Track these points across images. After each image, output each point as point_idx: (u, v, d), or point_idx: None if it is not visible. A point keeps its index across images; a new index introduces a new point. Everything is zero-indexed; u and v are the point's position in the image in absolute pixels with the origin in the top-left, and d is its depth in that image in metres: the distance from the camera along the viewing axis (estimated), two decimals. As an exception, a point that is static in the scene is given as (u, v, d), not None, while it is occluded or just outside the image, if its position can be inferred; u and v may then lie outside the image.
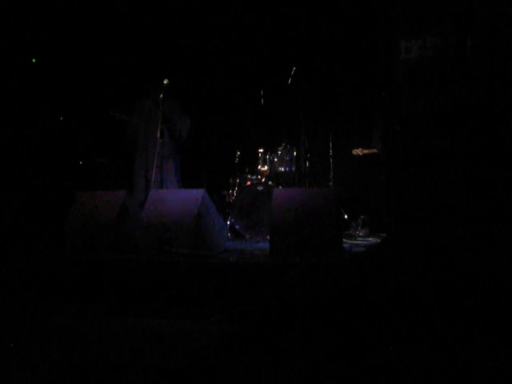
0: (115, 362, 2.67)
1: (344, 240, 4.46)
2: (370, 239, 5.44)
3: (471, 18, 3.88)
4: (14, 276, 3.89)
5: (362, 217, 5.81)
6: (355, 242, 5.25)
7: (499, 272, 2.96)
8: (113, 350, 2.86)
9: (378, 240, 5.28)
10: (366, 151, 6.14)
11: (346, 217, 6.00)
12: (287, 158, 6.02)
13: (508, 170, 3.64)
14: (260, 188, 5.75)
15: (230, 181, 6.17)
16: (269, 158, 6.06)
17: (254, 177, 6.04)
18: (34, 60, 6.34)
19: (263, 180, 5.93)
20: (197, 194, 4.21)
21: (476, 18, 3.86)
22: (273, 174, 6.03)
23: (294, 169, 6.03)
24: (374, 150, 6.11)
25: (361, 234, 5.68)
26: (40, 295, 3.75)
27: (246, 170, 6.23)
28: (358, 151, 6.15)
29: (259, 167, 6.10)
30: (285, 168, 6.02)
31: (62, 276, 3.88)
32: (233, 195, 5.95)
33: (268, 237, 4.27)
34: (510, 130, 3.71)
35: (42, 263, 3.99)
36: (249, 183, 5.91)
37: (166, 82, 5.33)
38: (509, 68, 3.74)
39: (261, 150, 6.14)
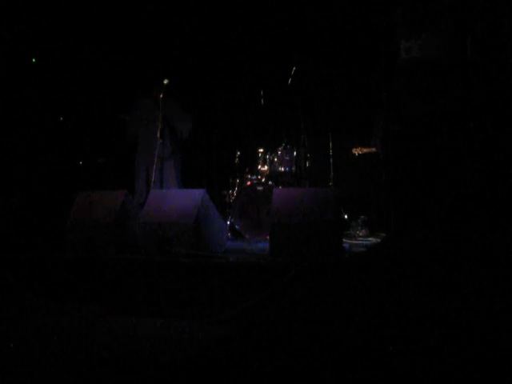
0: (115, 361, 2.67)
1: (344, 240, 4.46)
2: (370, 239, 5.44)
3: (471, 17, 3.88)
4: (14, 276, 3.89)
5: (362, 217, 5.81)
6: (355, 241, 5.25)
7: (499, 271, 2.96)
8: (113, 349, 2.86)
9: (378, 240, 5.28)
10: (365, 150, 6.16)
11: (346, 217, 6.00)
12: (287, 158, 6.02)
13: (508, 170, 3.64)
14: (260, 188, 5.75)
15: (230, 181, 6.17)
16: (269, 158, 6.06)
17: (254, 177, 6.04)
18: (33, 60, 6.34)
19: (263, 180, 5.93)
20: (197, 194, 4.21)
21: (476, 17, 3.86)
22: (273, 174, 6.03)
23: (293, 169, 6.03)
24: (374, 150, 6.12)
25: (361, 234, 5.68)
26: (40, 295, 3.75)
27: (246, 169, 6.23)
28: (357, 150, 6.17)
29: (259, 167, 6.10)
30: (285, 168, 6.02)
31: (61, 276, 3.88)
32: (233, 195, 5.95)
33: (268, 237, 4.27)
34: (511, 130, 3.71)
35: (42, 263, 3.99)
36: (249, 183, 5.91)
37: (165, 81, 5.33)
38: (509, 68, 3.73)
39: (261, 150, 6.14)
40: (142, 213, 4.26)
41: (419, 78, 4.04)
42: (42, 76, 6.36)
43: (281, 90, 6.50)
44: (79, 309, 3.59)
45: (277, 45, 6.87)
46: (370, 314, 3.06)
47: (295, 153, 6.03)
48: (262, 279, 3.41)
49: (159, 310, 3.52)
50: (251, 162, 6.29)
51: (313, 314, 3.21)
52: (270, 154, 6.07)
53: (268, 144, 6.23)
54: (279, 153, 6.04)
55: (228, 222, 5.64)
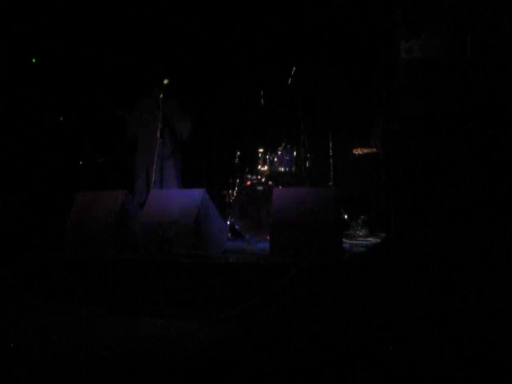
0: (115, 361, 2.67)
1: (344, 240, 4.45)
2: (370, 239, 5.44)
3: (471, 17, 3.88)
4: (14, 276, 3.89)
5: (362, 217, 5.81)
6: (355, 242, 5.25)
7: (499, 271, 2.96)
8: (113, 349, 2.86)
9: (378, 240, 5.28)
10: (366, 150, 6.16)
11: (346, 217, 6.00)
12: (287, 158, 6.02)
13: (508, 171, 3.64)
14: (260, 188, 5.75)
15: (230, 181, 6.17)
16: (269, 158, 6.06)
17: (254, 177, 6.04)
18: (33, 60, 6.34)
19: (263, 180, 5.93)
20: (197, 194, 4.21)
21: (476, 17, 3.86)
22: (273, 174, 6.03)
23: (294, 169, 6.03)
24: (374, 150, 6.12)
25: (361, 234, 5.68)
26: (40, 295, 3.75)
27: (246, 169, 6.23)
28: (358, 150, 6.17)
29: (259, 167, 6.10)
30: (285, 168, 6.02)
31: (62, 276, 3.88)
32: (233, 195, 5.95)
33: (268, 237, 4.27)
34: (511, 130, 3.71)
35: (42, 263, 3.99)
36: (249, 183, 5.91)
37: (165, 81, 5.34)
38: (509, 68, 3.73)
39: (261, 150, 6.14)
40: (142, 213, 4.26)
41: (419, 77, 4.04)
42: (42, 76, 6.36)
43: (281, 90, 6.50)
44: (79, 309, 3.59)
45: (277, 45, 6.87)
46: (370, 314, 3.06)
47: (295, 153, 6.04)
48: (262, 279, 3.41)
49: (159, 310, 3.52)
50: (251, 161, 6.29)
51: (313, 314, 3.21)
52: (270, 154, 6.07)
53: (268, 144, 6.23)
54: (279, 153, 6.04)
55: (228, 222, 5.64)
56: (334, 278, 3.31)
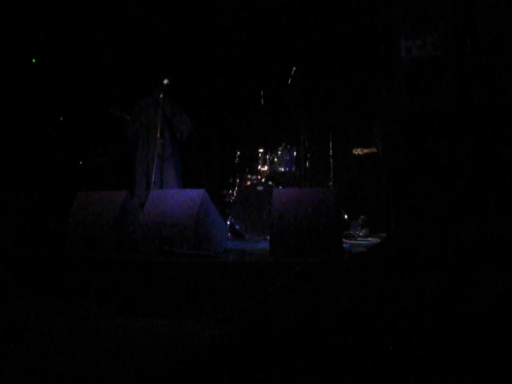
0: (115, 362, 2.67)
1: (344, 240, 4.46)
2: (370, 239, 5.44)
3: (471, 18, 3.88)
4: (14, 276, 3.89)
5: (362, 217, 5.81)
6: (355, 242, 5.25)
7: (499, 271, 2.96)
8: (113, 349, 2.86)
9: (378, 240, 5.28)
10: (366, 150, 6.16)
11: (346, 217, 6.00)
12: (287, 158, 6.02)
13: (509, 171, 3.64)
14: (260, 188, 5.75)
15: (230, 181, 6.18)
16: (269, 158, 6.06)
17: (254, 177, 6.04)
18: (33, 60, 6.35)
19: (263, 180, 5.94)
20: (197, 194, 4.21)
21: (476, 18, 3.86)
22: (273, 174, 6.03)
23: (294, 169, 6.03)
24: (374, 150, 6.12)
25: (361, 234, 5.68)
26: (40, 295, 3.75)
27: (246, 169, 6.23)
28: (358, 150, 6.18)
29: (259, 167, 6.10)
30: (285, 168, 6.02)
31: (62, 276, 3.88)
32: (233, 195, 5.96)
33: (268, 237, 4.27)
34: (511, 131, 3.71)
35: (42, 263, 3.99)
36: (249, 183, 5.91)
37: (165, 81, 5.34)
38: (509, 68, 3.74)
39: (261, 150, 6.14)
40: (142, 213, 4.26)
41: (419, 77, 4.05)
42: (43, 76, 6.36)
43: (281, 90, 6.50)
44: (79, 309, 3.59)
45: (277, 45, 6.87)
46: (369, 314, 3.07)
47: (295, 153, 6.04)
48: (262, 279, 3.41)
49: (159, 310, 3.52)
50: (251, 161, 6.29)
51: (313, 314, 3.21)
52: (270, 154, 6.08)
53: (268, 144, 6.23)
54: (279, 153, 6.05)
55: (228, 222, 5.64)
56: (334, 278, 3.31)
